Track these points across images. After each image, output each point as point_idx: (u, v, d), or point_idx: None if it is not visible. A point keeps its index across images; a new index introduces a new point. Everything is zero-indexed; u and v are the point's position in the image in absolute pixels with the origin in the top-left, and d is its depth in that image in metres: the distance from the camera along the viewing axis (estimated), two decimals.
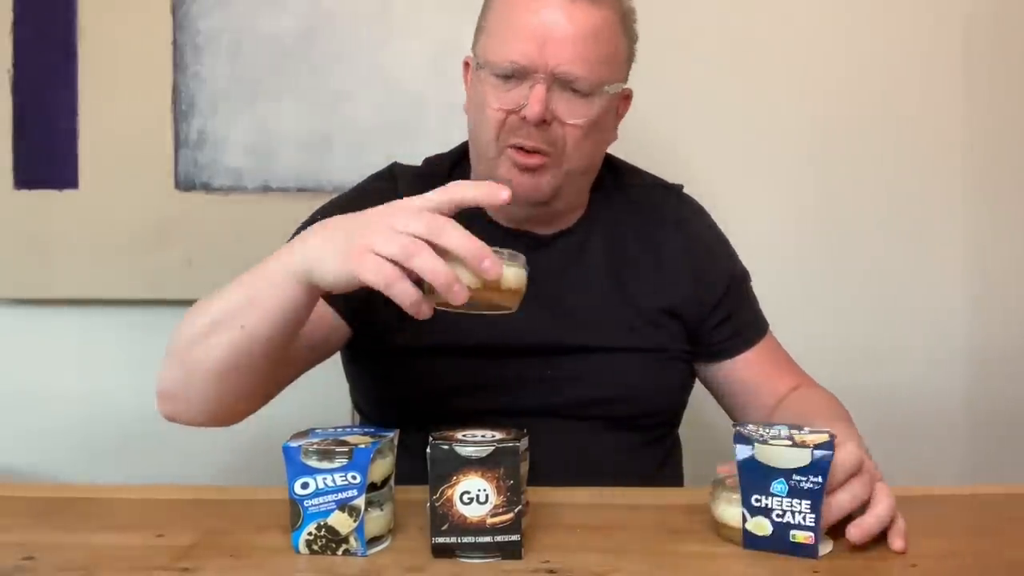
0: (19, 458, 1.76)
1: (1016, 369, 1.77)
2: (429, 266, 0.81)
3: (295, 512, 0.84)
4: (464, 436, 0.85)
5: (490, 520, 0.82)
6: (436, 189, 0.87)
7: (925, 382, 1.76)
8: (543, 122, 1.08)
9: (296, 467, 0.84)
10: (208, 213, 1.71)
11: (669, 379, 1.23)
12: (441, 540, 0.83)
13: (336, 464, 0.83)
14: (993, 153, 1.76)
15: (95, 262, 1.72)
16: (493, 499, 0.82)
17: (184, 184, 1.72)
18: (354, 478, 0.83)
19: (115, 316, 1.76)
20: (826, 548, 0.86)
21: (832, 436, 0.87)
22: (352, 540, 0.84)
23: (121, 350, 1.77)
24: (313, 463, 0.83)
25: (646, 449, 1.22)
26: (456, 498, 0.82)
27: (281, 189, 1.70)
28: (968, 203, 1.76)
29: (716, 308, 1.23)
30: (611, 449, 1.17)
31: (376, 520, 0.86)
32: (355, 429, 0.90)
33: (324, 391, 1.57)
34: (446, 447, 0.83)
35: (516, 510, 0.82)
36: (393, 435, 0.89)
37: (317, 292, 0.91)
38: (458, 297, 0.81)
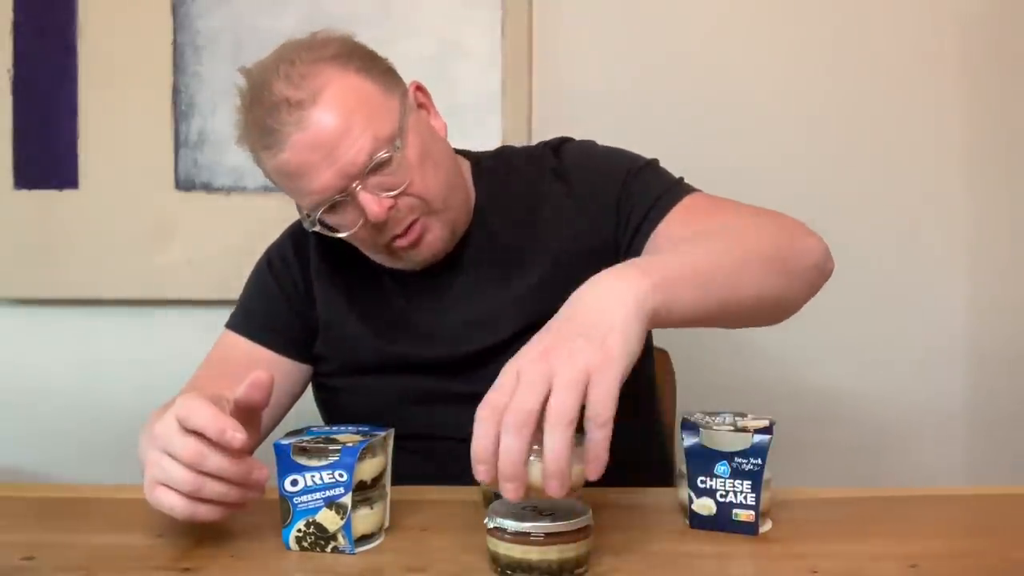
0: (19, 458, 1.76)
1: (1016, 369, 1.76)
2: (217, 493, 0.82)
3: (285, 509, 0.85)
4: None
5: None
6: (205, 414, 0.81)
7: (925, 382, 1.77)
8: (389, 209, 1.06)
9: (285, 464, 0.84)
10: (208, 213, 1.71)
11: None
12: None
13: (324, 462, 0.83)
14: (992, 153, 1.76)
15: (95, 262, 1.72)
16: None
17: (184, 184, 1.72)
18: (341, 476, 0.83)
19: (115, 316, 1.76)
20: (765, 526, 0.90)
21: (772, 422, 0.89)
22: (340, 537, 0.84)
23: (121, 350, 1.77)
24: (301, 460, 0.84)
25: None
26: None
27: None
28: (968, 203, 1.76)
29: (621, 210, 1.14)
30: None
31: (365, 518, 0.86)
32: (350, 428, 0.90)
33: None
34: None
35: None
36: (385, 434, 0.89)
37: None
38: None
